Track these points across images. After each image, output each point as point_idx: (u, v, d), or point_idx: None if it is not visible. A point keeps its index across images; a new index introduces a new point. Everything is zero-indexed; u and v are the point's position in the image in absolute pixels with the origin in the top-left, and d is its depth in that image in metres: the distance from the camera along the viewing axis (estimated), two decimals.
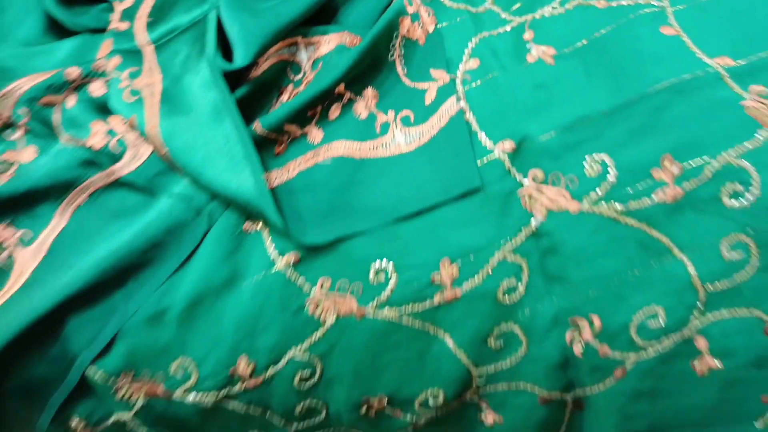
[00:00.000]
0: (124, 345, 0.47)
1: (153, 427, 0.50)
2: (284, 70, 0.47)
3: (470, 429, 0.55)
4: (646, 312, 0.47)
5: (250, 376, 0.48)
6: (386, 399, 0.50)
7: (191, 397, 0.48)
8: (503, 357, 0.49)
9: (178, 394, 0.48)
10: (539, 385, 0.50)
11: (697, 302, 0.46)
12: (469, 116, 0.47)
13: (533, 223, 0.46)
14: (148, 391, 0.48)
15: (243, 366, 0.47)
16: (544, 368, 0.49)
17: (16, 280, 0.46)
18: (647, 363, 0.49)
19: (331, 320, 0.47)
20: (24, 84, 0.47)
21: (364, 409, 0.51)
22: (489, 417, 0.53)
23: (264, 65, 0.45)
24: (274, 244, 0.46)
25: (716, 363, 0.48)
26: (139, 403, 0.48)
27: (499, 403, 0.52)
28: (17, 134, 0.46)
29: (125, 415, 0.49)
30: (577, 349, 0.48)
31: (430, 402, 0.51)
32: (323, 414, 0.51)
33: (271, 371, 0.48)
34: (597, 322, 0.47)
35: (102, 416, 0.50)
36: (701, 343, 0.48)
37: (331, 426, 0.53)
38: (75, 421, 0.50)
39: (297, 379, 0.48)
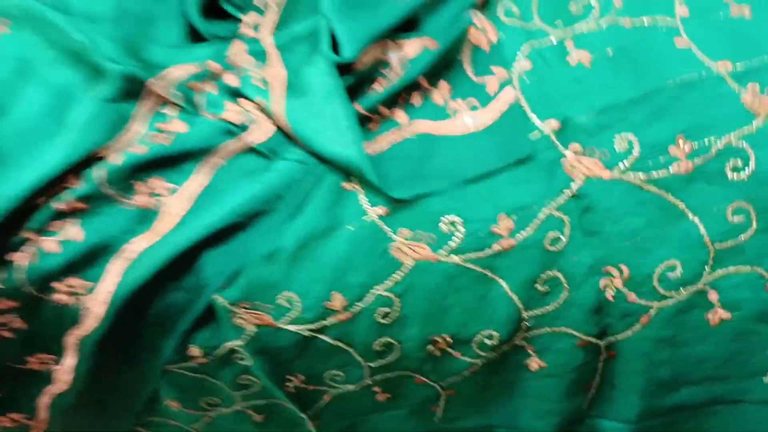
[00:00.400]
0: (245, 278, 0.55)
1: (257, 356, 0.58)
2: (377, 66, 0.57)
3: (517, 375, 0.63)
4: (666, 264, 0.55)
5: (342, 310, 0.56)
6: (450, 338, 0.58)
7: (293, 327, 0.56)
8: (549, 301, 0.57)
9: (282, 323, 0.56)
10: (578, 329, 0.58)
11: (709, 258, 0.55)
12: (523, 102, 0.55)
13: (573, 186, 0.54)
14: (258, 320, 0.56)
15: (337, 300, 0.56)
16: (582, 312, 0.57)
17: (166, 223, 0.55)
18: (668, 311, 0.56)
19: (409, 263, 0.55)
20: (174, 71, 0.56)
21: (431, 348, 0.59)
22: (534, 363, 0.61)
23: (364, 60, 0.55)
24: (367, 199, 0.55)
25: (726, 314, 0.56)
26: (250, 332, 0.57)
27: (544, 346, 0.60)
28: (171, 110, 0.58)
29: (236, 343, 0.57)
30: (609, 295, 0.56)
31: (487, 342, 0.58)
32: (396, 353, 0.59)
33: (358, 307, 0.56)
34: (626, 271, 0.55)
35: (217, 345, 0.58)
36: (713, 295, 0.56)
37: (400, 368, 0.61)
38: (194, 349, 0.58)
39: (379, 315, 0.56)
